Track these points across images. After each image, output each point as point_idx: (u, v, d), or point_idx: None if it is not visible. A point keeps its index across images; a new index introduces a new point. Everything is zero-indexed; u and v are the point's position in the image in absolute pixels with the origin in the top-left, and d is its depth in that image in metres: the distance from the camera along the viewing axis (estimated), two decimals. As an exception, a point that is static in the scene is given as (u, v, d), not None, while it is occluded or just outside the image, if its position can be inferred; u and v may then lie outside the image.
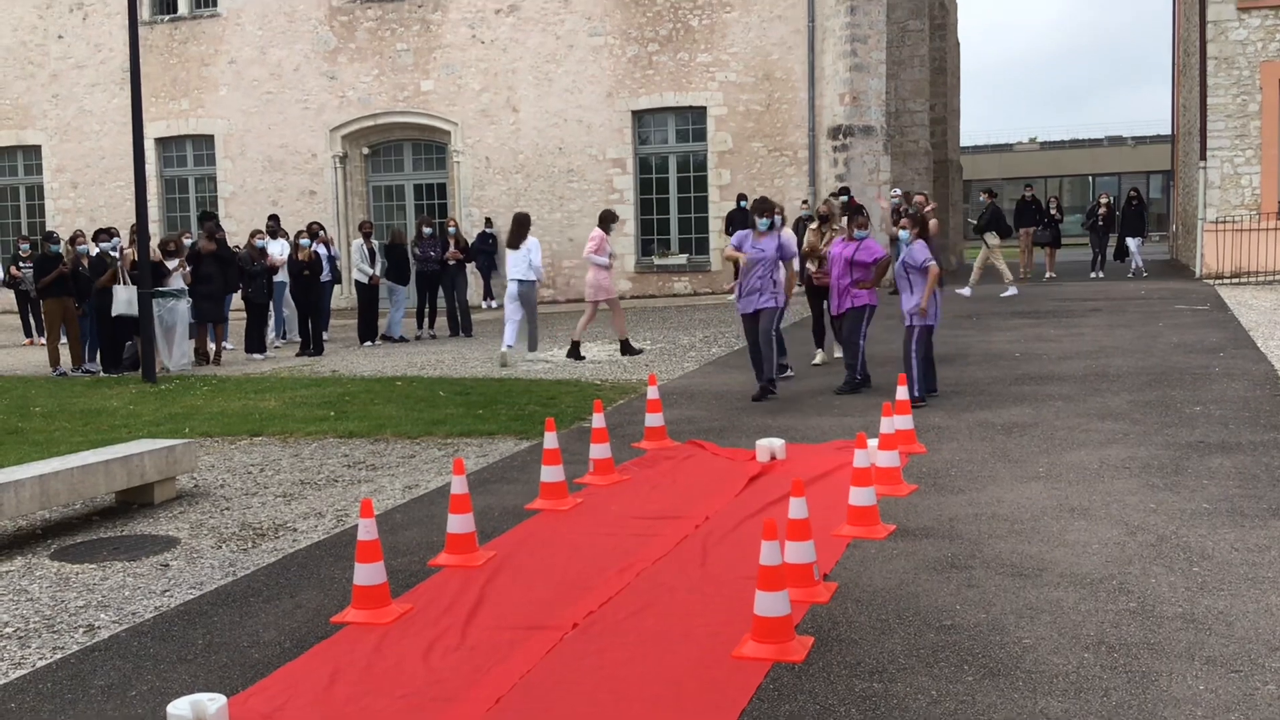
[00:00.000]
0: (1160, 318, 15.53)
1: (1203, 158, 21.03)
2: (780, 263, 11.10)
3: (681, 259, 23.13)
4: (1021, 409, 9.75)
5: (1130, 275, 23.16)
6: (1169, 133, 34.45)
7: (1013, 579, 5.49)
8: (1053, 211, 24.42)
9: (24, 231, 25.07)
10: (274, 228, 18.44)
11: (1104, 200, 24.62)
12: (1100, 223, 24.18)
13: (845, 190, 19.58)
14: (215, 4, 25.04)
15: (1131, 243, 23.78)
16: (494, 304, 23.20)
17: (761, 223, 10.94)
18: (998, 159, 53.64)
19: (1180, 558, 5.71)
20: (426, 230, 17.96)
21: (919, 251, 10.28)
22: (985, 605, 5.16)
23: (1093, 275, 23.66)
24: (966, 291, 19.75)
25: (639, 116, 22.97)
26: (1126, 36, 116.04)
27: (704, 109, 22.47)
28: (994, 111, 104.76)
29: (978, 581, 5.48)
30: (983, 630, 4.87)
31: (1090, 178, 52.52)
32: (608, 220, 14.84)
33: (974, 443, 8.56)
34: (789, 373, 12.11)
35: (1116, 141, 53.40)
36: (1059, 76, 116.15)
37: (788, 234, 11.93)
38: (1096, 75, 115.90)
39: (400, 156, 24.92)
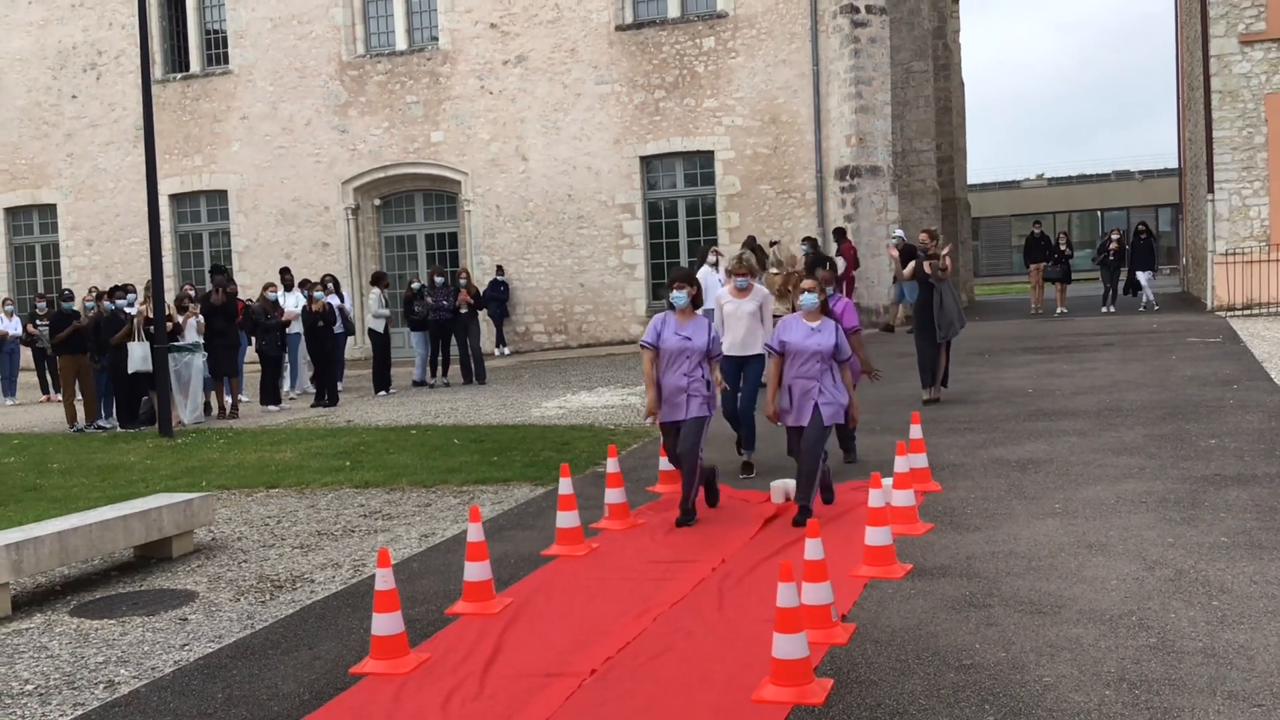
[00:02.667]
0: (1173, 351, 15.50)
1: (1210, 190, 21.06)
2: (709, 361, 7.88)
3: (692, 302, 23.17)
4: (1036, 445, 9.74)
5: (1141, 309, 23.14)
6: (1176, 166, 34.55)
7: (1032, 617, 5.47)
8: (1063, 247, 24.48)
9: (40, 289, 25.33)
10: (289, 281, 18.60)
11: (1115, 236, 24.68)
12: (1111, 257, 24.20)
13: (839, 231, 19.28)
14: (227, 61, 25.40)
15: (1142, 276, 23.80)
16: (506, 351, 23.29)
17: (676, 298, 7.78)
18: (1006, 196, 53.76)
19: (1199, 592, 5.69)
20: (438, 279, 18.16)
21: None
22: (1005, 644, 5.14)
23: (1104, 310, 23.64)
24: None
25: (647, 162, 23.13)
26: (1131, 72, 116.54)
27: (711, 153, 22.62)
28: (1001, 149, 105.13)
29: (996, 620, 5.46)
30: (1003, 669, 4.85)
31: (1099, 212, 52.54)
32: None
33: (989, 480, 8.54)
34: (751, 474, 9.48)
35: (1124, 176, 53.47)
36: (1065, 113, 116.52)
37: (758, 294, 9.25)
38: (1102, 111, 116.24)
39: (411, 207, 25.12)
